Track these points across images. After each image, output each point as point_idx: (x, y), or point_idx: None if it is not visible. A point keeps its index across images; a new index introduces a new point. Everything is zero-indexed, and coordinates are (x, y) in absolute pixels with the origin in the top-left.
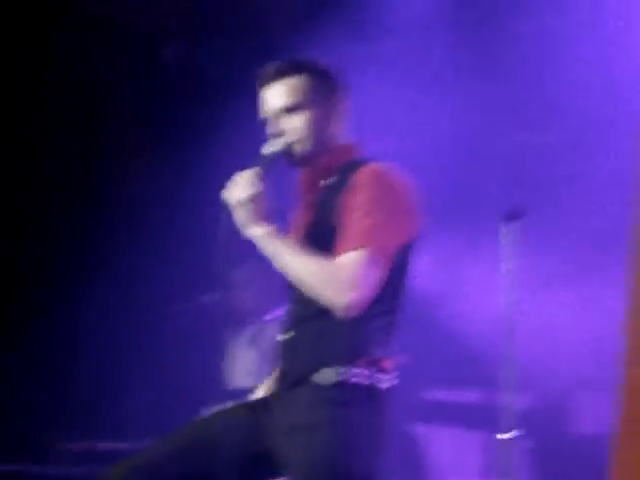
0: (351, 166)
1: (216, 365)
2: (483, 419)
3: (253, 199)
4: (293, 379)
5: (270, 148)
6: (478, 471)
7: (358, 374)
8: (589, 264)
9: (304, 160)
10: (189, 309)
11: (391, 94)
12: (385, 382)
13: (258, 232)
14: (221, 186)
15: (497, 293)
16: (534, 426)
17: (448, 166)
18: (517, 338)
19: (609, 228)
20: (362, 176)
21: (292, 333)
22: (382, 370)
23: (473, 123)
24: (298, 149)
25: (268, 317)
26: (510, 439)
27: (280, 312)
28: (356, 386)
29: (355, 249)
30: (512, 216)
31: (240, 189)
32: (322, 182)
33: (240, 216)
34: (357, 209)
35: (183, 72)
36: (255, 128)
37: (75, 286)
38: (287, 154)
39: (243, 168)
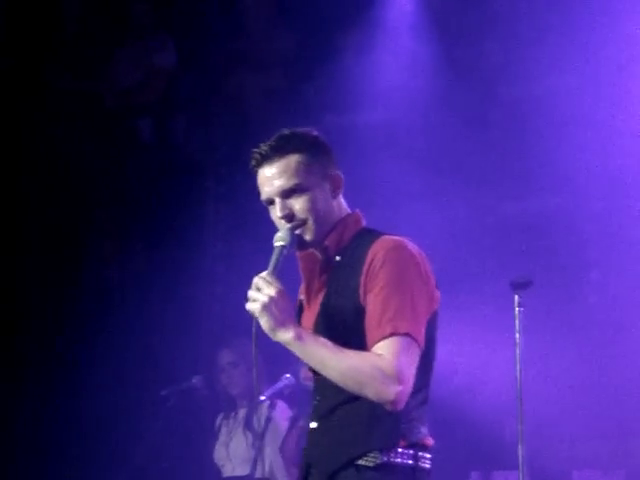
0: (362, 238)
1: (208, 451)
2: None
3: (276, 300)
4: (332, 471)
5: (283, 237)
6: None
7: (401, 454)
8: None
9: (316, 241)
10: (175, 393)
11: (376, 166)
12: (428, 461)
13: (287, 336)
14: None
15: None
16: None
17: (443, 237)
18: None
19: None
20: (379, 251)
21: (320, 424)
22: (424, 449)
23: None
24: (310, 231)
25: (260, 399)
26: None
27: (272, 393)
28: (400, 467)
29: (390, 336)
30: (521, 285)
31: (262, 294)
32: (336, 259)
33: (265, 323)
34: (382, 289)
35: (159, 149)
36: (233, 205)
37: (56, 369)
38: (300, 239)
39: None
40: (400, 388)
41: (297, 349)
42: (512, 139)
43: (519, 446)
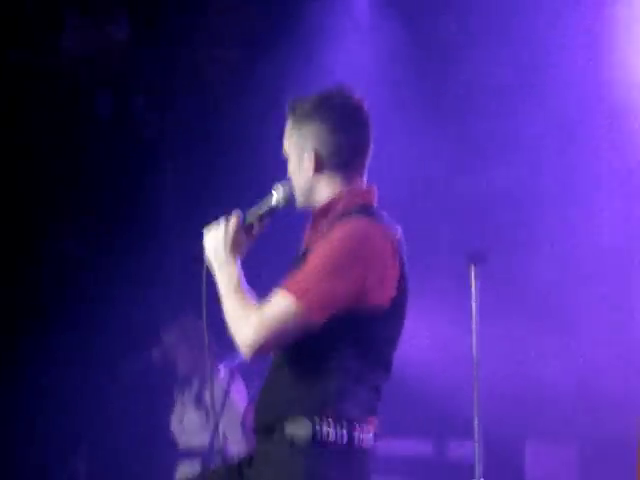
0: (345, 216)
1: (166, 424)
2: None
3: (231, 237)
4: (262, 425)
5: (278, 189)
6: None
7: (334, 427)
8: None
9: (301, 205)
10: (136, 366)
11: None
12: (367, 442)
13: (221, 257)
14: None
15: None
16: None
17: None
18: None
19: None
20: (338, 227)
21: (265, 379)
22: (357, 429)
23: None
24: (295, 195)
25: (212, 374)
26: None
27: (224, 370)
28: (332, 445)
29: (279, 291)
30: (477, 258)
31: (220, 229)
32: (322, 227)
33: (212, 243)
34: (311, 258)
35: (116, 124)
36: (190, 179)
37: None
38: (288, 201)
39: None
40: (252, 336)
41: (218, 273)
42: (466, 114)
43: (474, 417)
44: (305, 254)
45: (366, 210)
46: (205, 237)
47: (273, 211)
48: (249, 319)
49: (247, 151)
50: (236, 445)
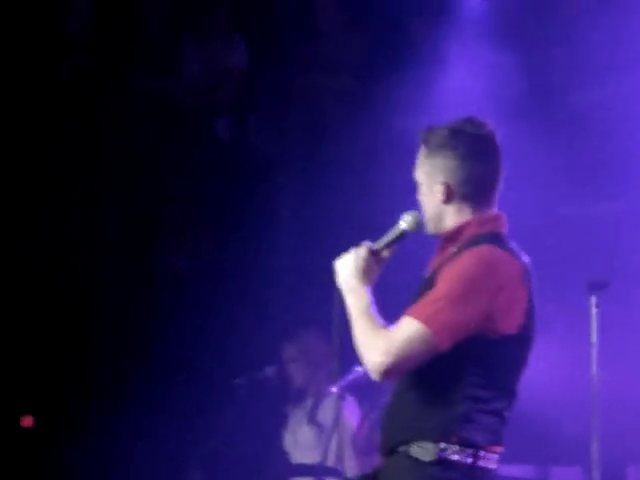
0: (473, 242)
1: (278, 438)
2: None
3: (363, 256)
4: (388, 448)
5: (407, 218)
6: None
7: (458, 452)
8: None
9: (431, 232)
10: (248, 382)
11: None
12: (485, 463)
13: (352, 283)
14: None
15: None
16: None
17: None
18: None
19: None
20: (465, 254)
21: (392, 400)
22: (481, 454)
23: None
24: (424, 221)
25: (327, 391)
26: None
27: (342, 385)
28: (457, 464)
29: (406, 317)
30: (597, 286)
31: (351, 257)
32: (451, 251)
33: (343, 270)
34: (439, 284)
35: (234, 147)
36: (307, 203)
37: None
38: (417, 228)
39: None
40: (380, 359)
41: (348, 297)
42: (581, 143)
43: (592, 442)
44: (432, 279)
45: (494, 237)
46: (336, 265)
47: (402, 236)
48: (377, 344)
49: (357, 175)
50: (347, 463)
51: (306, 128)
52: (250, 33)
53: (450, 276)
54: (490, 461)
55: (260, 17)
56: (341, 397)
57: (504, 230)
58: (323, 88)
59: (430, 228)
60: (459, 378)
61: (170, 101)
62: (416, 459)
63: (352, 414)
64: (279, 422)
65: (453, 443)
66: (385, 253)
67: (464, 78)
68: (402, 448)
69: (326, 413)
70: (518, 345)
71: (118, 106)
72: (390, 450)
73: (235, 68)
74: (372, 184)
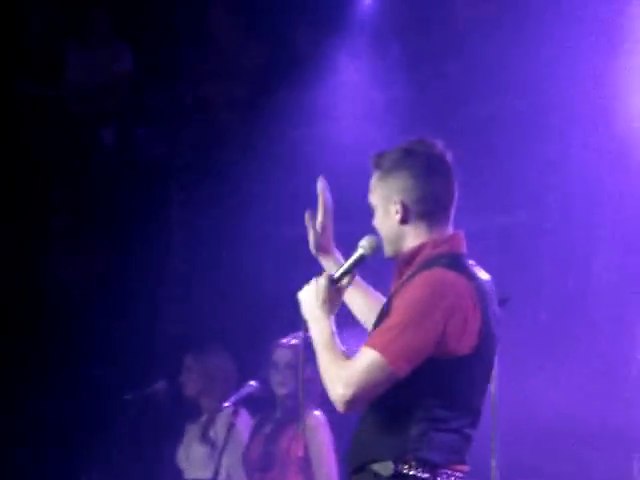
0: (426, 265)
1: (171, 453)
2: None
3: (322, 294)
4: (353, 467)
5: (364, 244)
6: None
7: (415, 467)
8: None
9: (389, 255)
10: (137, 398)
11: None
12: (451, 478)
13: (315, 314)
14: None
15: None
16: None
17: None
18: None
19: None
20: (417, 277)
21: (358, 426)
22: (441, 472)
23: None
24: (383, 245)
25: (223, 405)
26: None
27: (231, 403)
28: (414, 478)
29: (365, 347)
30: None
31: (312, 287)
32: (405, 275)
33: (306, 301)
34: (393, 311)
35: (121, 155)
36: (195, 210)
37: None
38: (375, 252)
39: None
40: (342, 392)
41: (313, 327)
42: (478, 157)
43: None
44: (389, 304)
45: (449, 258)
46: (300, 295)
47: (361, 262)
48: (339, 375)
49: (248, 184)
50: (238, 479)
51: (198, 138)
52: (139, 42)
53: (403, 302)
54: (452, 476)
55: (151, 27)
56: (235, 413)
57: (461, 249)
58: (215, 98)
59: (387, 251)
60: (416, 399)
61: (54, 107)
62: (376, 473)
63: (245, 430)
64: (172, 436)
65: (410, 461)
66: (345, 281)
67: (356, 88)
68: (366, 467)
69: (218, 429)
70: (475, 365)
71: (6, 113)
72: (355, 469)
73: (121, 75)
74: (261, 194)
